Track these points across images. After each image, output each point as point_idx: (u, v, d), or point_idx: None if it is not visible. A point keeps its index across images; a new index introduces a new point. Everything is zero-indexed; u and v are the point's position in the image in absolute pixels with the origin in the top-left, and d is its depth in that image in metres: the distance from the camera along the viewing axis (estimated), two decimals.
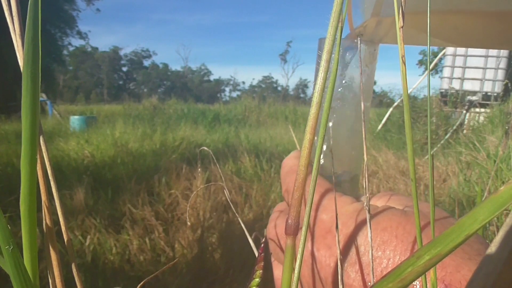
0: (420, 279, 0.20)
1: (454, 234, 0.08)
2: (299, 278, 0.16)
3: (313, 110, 0.16)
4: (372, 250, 0.23)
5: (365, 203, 0.23)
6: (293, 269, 0.17)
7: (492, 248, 0.08)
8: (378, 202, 0.29)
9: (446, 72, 6.20)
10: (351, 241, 0.24)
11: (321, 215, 0.26)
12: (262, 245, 0.24)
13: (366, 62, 0.30)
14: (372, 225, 0.24)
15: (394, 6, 0.17)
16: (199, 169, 2.84)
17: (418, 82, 5.46)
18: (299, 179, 0.17)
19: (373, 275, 0.22)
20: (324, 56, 0.16)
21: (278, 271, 0.29)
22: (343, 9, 0.16)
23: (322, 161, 0.31)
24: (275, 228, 0.30)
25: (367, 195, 0.23)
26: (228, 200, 0.36)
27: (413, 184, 0.16)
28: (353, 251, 0.24)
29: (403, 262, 0.08)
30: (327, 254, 0.25)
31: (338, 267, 0.23)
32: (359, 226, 0.24)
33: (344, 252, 0.24)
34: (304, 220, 0.17)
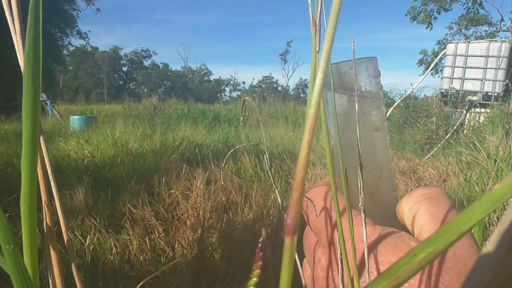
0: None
1: (449, 232, 0.08)
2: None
3: (311, 110, 0.16)
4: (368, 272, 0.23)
5: (362, 214, 0.23)
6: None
7: (488, 247, 0.09)
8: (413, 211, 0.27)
9: (447, 72, 6.20)
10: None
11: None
12: (260, 244, 0.24)
13: (370, 76, 0.29)
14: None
15: None
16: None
17: (418, 82, 5.45)
18: (297, 179, 0.17)
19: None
20: (323, 57, 0.16)
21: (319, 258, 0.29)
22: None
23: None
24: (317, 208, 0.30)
25: (362, 195, 0.23)
26: (267, 159, 0.35)
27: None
28: None
29: (399, 260, 0.08)
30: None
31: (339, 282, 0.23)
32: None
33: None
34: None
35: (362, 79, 0.29)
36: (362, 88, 0.29)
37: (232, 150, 0.40)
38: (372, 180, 0.30)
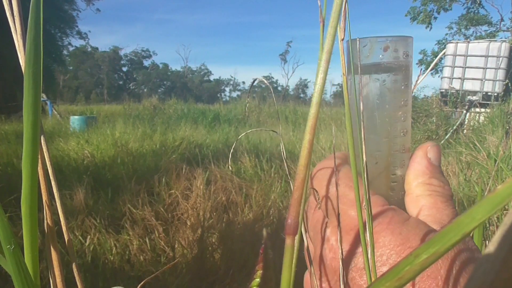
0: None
1: (451, 233, 0.08)
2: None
3: (312, 110, 0.16)
4: (369, 254, 0.23)
5: (364, 204, 0.23)
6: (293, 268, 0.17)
7: (490, 247, 0.09)
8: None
9: (446, 72, 6.20)
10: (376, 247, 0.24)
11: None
12: (263, 245, 0.24)
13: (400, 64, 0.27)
14: (401, 241, 0.24)
15: None
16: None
17: (418, 82, 5.45)
18: (298, 179, 0.17)
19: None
20: (324, 56, 0.16)
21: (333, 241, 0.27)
22: (342, 9, 0.16)
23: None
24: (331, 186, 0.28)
25: (368, 194, 0.23)
26: (282, 147, 0.35)
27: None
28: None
29: (401, 261, 0.08)
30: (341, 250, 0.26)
31: (340, 267, 0.23)
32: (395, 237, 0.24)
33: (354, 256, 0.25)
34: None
35: (391, 56, 0.28)
36: (385, 63, 0.28)
37: (245, 133, 0.39)
38: (370, 168, 0.28)
